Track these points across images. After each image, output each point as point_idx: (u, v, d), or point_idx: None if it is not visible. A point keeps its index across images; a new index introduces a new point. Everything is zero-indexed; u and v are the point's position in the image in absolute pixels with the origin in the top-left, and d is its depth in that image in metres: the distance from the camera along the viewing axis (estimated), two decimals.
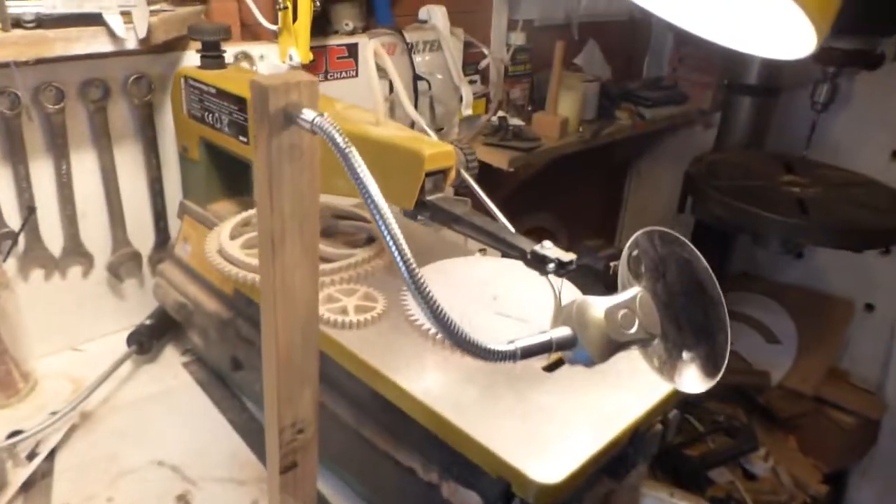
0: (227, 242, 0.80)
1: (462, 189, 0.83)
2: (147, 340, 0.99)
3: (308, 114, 0.42)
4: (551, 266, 0.60)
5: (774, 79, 1.79)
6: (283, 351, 0.49)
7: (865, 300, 1.98)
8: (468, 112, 1.48)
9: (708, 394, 0.50)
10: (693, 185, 1.55)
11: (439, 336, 0.68)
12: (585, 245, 1.51)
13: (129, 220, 1.03)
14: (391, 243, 0.38)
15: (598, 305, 0.45)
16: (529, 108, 1.73)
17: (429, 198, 0.69)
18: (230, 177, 0.99)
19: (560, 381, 0.64)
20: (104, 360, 0.96)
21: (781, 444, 1.88)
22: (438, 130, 1.47)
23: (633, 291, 0.47)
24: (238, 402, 0.94)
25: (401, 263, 0.38)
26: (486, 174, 1.49)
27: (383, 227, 0.39)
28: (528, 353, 0.42)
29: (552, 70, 1.58)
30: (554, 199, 2.01)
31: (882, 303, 1.96)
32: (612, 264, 1.39)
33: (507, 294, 0.76)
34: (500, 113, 1.63)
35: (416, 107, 1.38)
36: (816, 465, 1.89)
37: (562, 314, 0.46)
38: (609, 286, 1.34)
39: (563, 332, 0.44)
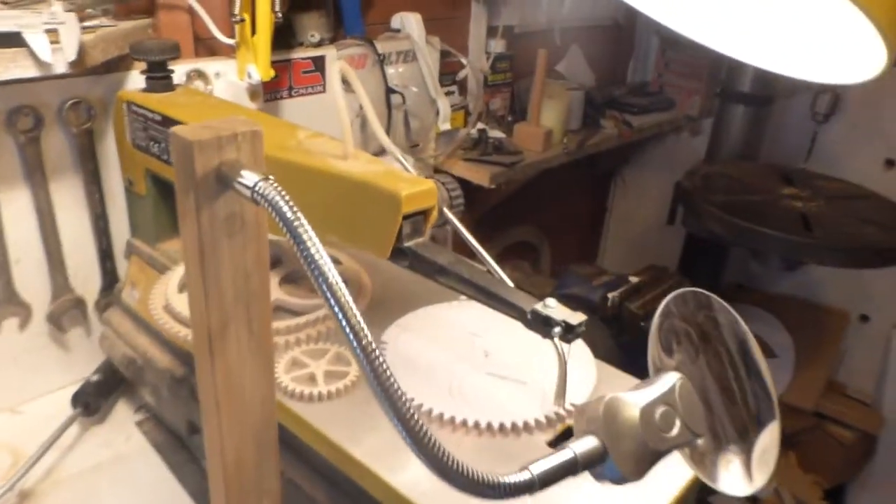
0: (175, 296, 0.69)
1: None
2: (94, 400, 0.88)
3: (249, 177, 0.31)
4: (557, 330, 0.50)
5: (769, 87, 1.71)
6: (232, 467, 0.39)
7: (860, 311, 1.92)
8: (446, 126, 1.38)
9: None
10: (687, 199, 1.45)
11: (425, 408, 0.58)
12: (575, 272, 1.43)
13: (71, 263, 0.92)
14: (361, 356, 0.28)
15: (632, 404, 0.36)
16: (510, 119, 1.63)
17: (407, 244, 0.59)
18: None
19: None
20: (47, 424, 0.86)
21: (781, 460, 1.81)
22: (414, 146, 1.37)
23: (670, 379, 0.38)
24: (198, 466, 0.84)
25: (371, 376, 0.28)
26: (465, 190, 1.38)
27: (347, 329, 0.29)
28: (548, 480, 0.32)
29: (534, 78, 1.49)
30: (536, 212, 1.92)
31: (877, 314, 1.91)
32: (609, 296, 1.31)
33: (499, 348, 0.66)
34: (480, 125, 1.53)
35: (389, 122, 1.28)
36: (817, 481, 1.83)
37: (584, 415, 0.36)
38: (606, 320, 1.23)
39: (589, 443, 0.34)
